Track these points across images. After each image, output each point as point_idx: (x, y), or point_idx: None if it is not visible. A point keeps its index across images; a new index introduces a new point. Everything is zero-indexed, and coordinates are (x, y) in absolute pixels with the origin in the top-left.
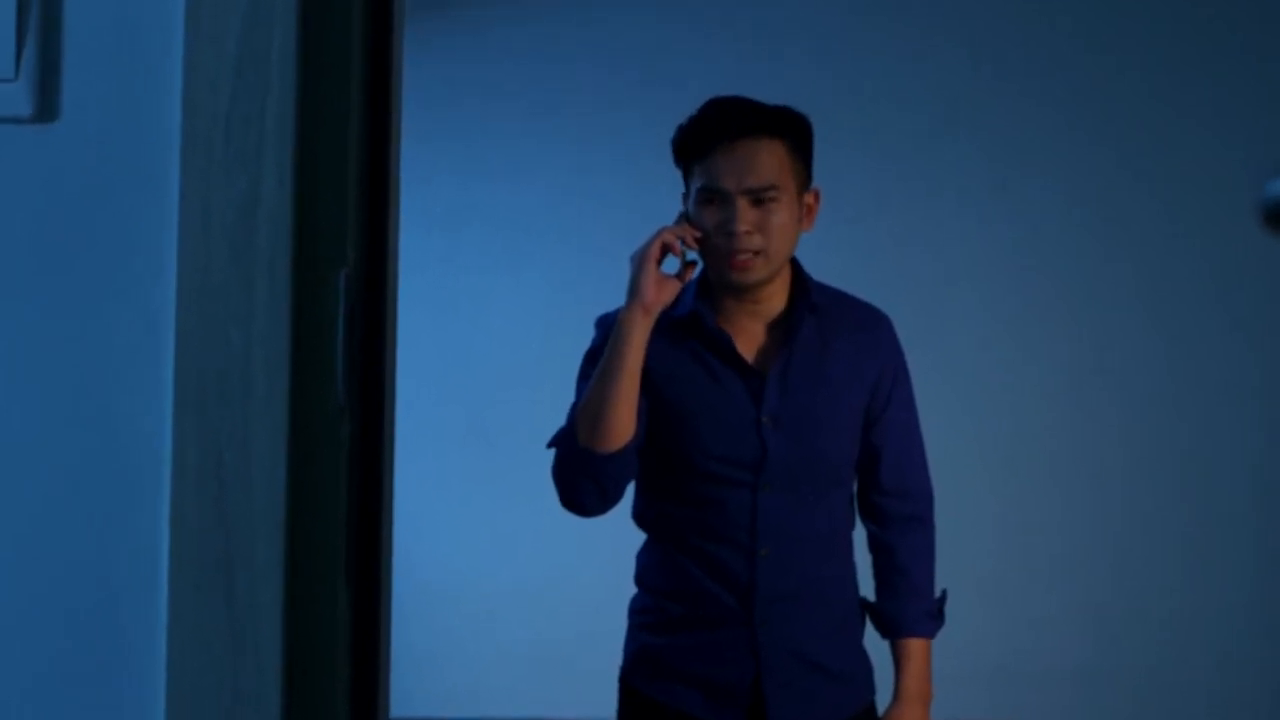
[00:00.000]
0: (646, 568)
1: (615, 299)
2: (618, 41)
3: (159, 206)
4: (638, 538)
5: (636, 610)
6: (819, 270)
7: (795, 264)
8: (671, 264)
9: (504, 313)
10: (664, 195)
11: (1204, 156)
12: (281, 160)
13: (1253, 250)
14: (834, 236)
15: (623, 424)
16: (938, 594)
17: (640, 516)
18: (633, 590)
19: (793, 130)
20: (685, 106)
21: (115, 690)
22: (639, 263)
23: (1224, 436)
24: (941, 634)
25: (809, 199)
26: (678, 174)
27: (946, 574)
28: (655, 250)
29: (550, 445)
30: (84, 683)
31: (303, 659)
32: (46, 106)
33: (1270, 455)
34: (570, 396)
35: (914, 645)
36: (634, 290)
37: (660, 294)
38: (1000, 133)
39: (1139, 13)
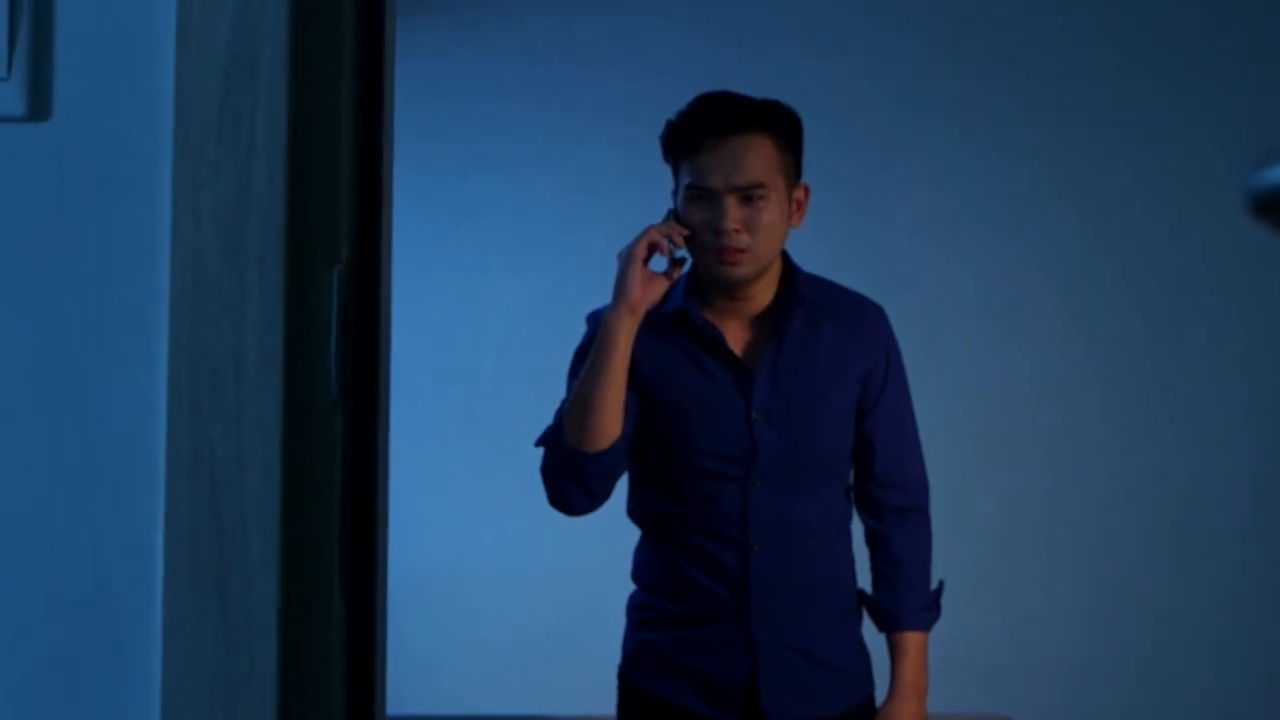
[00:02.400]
0: (642, 565)
1: (608, 298)
2: (617, 37)
3: (151, 204)
4: (633, 534)
5: (634, 607)
6: (810, 266)
7: (785, 257)
8: (660, 262)
9: (502, 309)
10: (663, 192)
11: (1197, 151)
12: (273, 156)
13: (1246, 245)
14: (826, 232)
15: (609, 423)
16: (934, 586)
17: (635, 513)
18: (628, 586)
19: (781, 125)
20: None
21: (110, 690)
22: (625, 261)
23: (1218, 431)
24: (936, 628)
25: (799, 194)
26: (669, 171)
27: (941, 568)
28: (641, 249)
29: (538, 444)
30: (78, 682)
31: (297, 657)
32: (39, 105)
33: (1264, 450)
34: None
35: (909, 638)
36: (619, 289)
37: (647, 293)
38: (990, 128)
39: (1130, 7)
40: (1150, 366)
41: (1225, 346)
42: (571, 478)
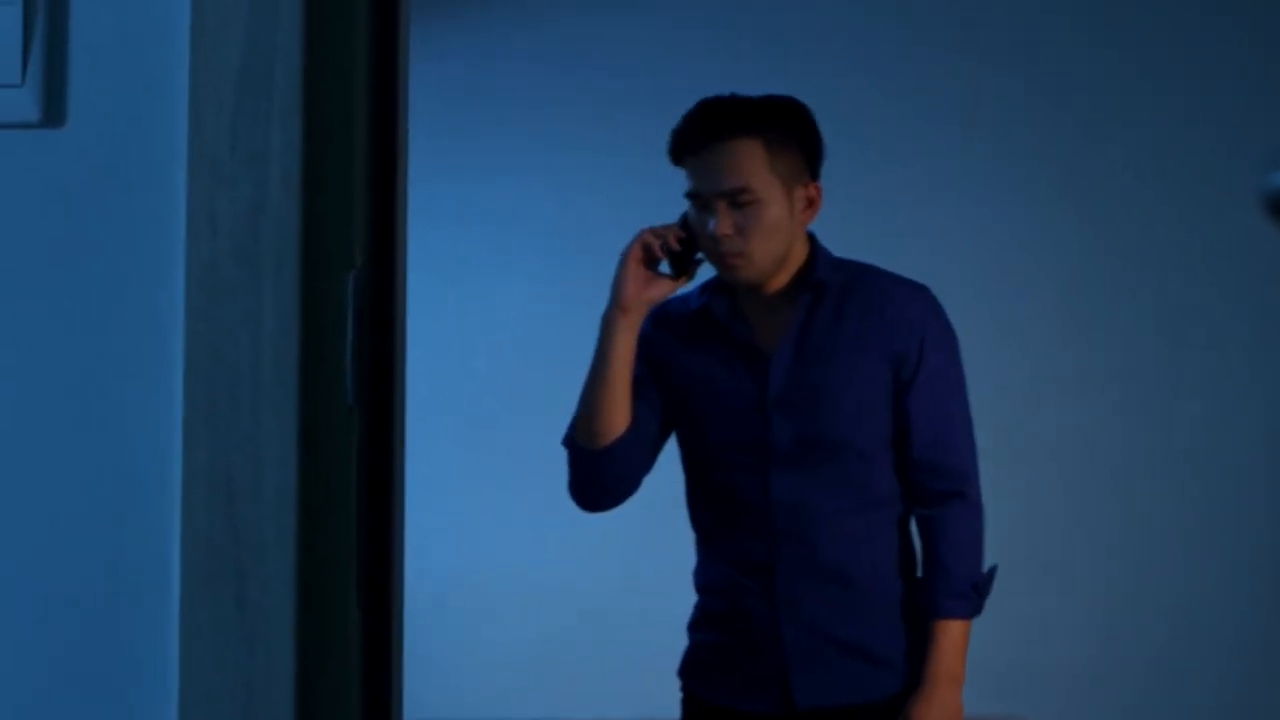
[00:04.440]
0: (696, 569)
1: None
2: (624, 44)
3: (166, 211)
4: (645, 540)
5: (693, 613)
6: None
7: (813, 242)
8: (666, 265)
9: (517, 313)
10: (671, 196)
11: (1208, 152)
12: (288, 164)
13: (1257, 245)
14: (826, 233)
15: (610, 421)
16: (983, 573)
17: (688, 508)
18: (640, 592)
19: (774, 126)
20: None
21: (128, 698)
22: (620, 262)
23: (1230, 432)
24: None
25: (808, 192)
26: (682, 174)
27: None
28: (636, 251)
29: (563, 444)
30: (97, 690)
31: (315, 664)
32: (53, 112)
33: (1276, 451)
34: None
35: (939, 626)
36: (613, 289)
37: (643, 293)
38: (1000, 130)
39: (1140, 6)
40: (1163, 370)
41: (1239, 350)
42: (585, 475)
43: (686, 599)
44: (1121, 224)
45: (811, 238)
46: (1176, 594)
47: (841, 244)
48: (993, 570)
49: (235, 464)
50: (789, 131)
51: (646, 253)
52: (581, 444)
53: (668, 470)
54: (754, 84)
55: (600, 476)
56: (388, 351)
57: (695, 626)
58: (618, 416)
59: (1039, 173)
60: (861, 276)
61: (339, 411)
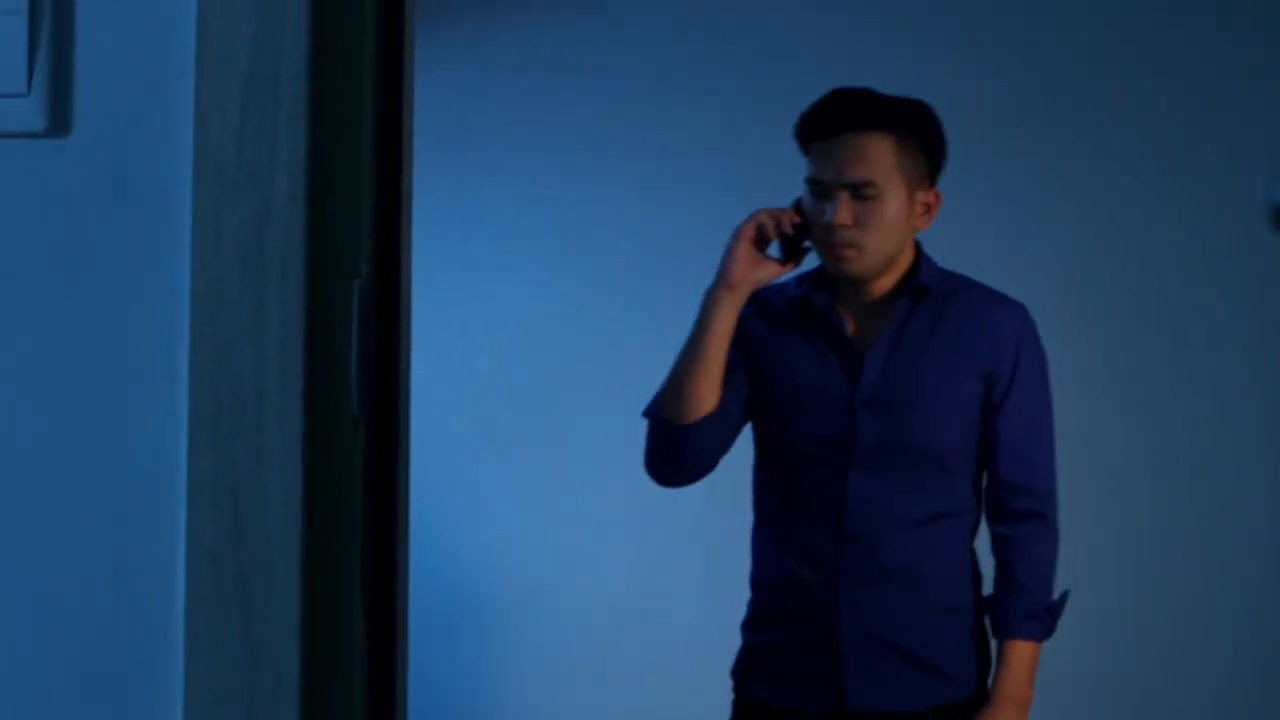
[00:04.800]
0: (754, 565)
1: (627, 308)
2: (632, 51)
3: (172, 221)
4: (652, 548)
5: (748, 613)
6: None
7: (918, 249)
8: (775, 248)
9: (520, 321)
10: (676, 203)
11: (1208, 152)
12: (294, 174)
13: (1259, 252)
14: None
15: (698, 397)
16: (1055, 597)
17: (754, 503)
18: (652, 605)
19: (906, 125)
20: (701, 115)
21: (132, 707)
22: (730, 240)
23: (1231, 438)
24: None
25: (927, 198)
26: (691, 181)
27: None
28: (748, 229)
29: (644, 414)
30: (101, 700)
31: (319, 672)
32: (59, 121)
33: (1276, 450)
34: (588, 407)
35: (1010, 647)
36: (721, 266)
37: (750, 273)
38: (999, 129)
39: (1140, 6)
40: (1164, 376)
41: (1241, 356)
42: (664, 449)
43: (702, 606)
44: (1121, 224)
45: (918, 245)
46: (1176, 594)
47: None
48: (1065, 594)
49: (240, 472)
50: (918, 133)
51: (759, 233)
52: (665, 417)
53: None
54: (755, 89)
55: (679, 452)
56: (392, 360)
57: (750, 625)
58: (708, 394)
59: (1039, 172)
60: (962, 287)
61: (344, 420)
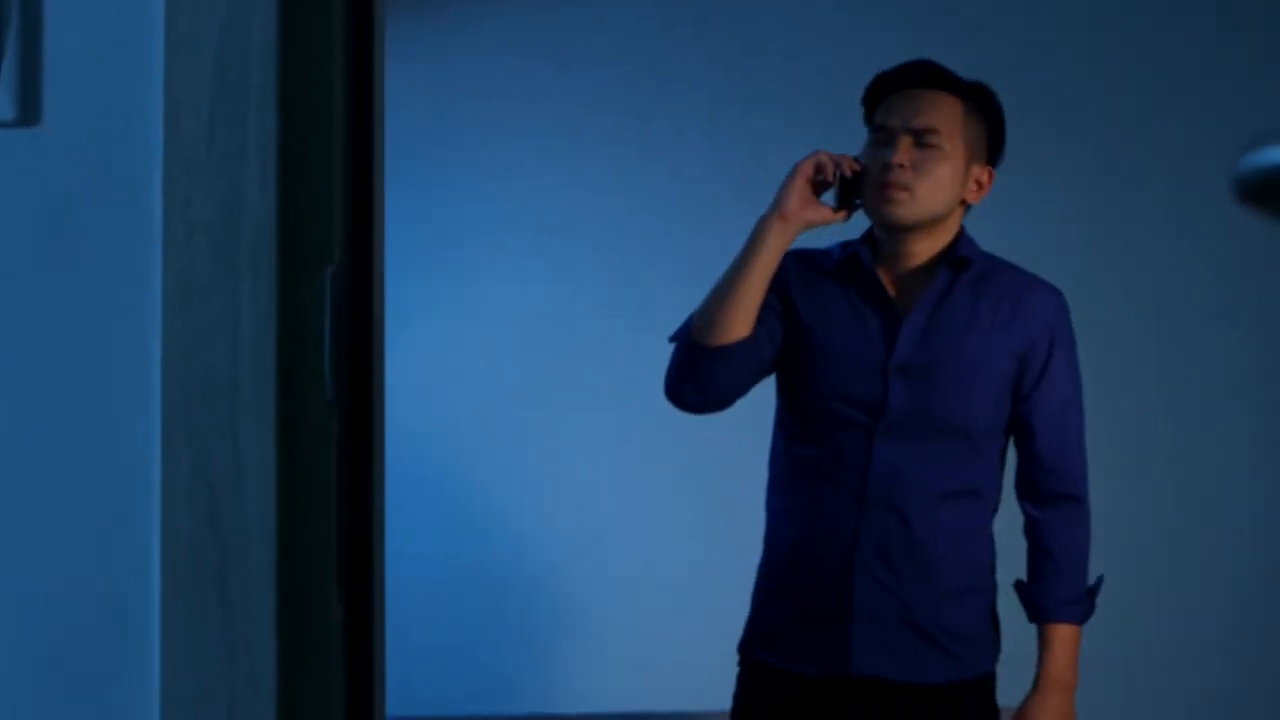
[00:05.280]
0: (768, 529)
1: (619, 297)
2: (608, 39)
3: (143, 210)
4: (641, 531)
5: (757, 579)
6: None
7: (961, 228)
8: (830, 195)
9: (510, 315)
10: (670, 194)
11: (1207, 152)
12: (265, 161)
13: (1257, 245)
14: (826, 234)
15: (735, 320)
16: (1092, 580)
17: (772, 460)
18: (630, 583)
19: (976, 98)
20: (686, 105)
21: (109, 700)
22: (789, 175)
23: (1219, 433)
24: None
25: (981, 174)
26: (679, 170)
27: None
28: (807, 167)
29: (672, 339)
30: (77, 693)
31: (297, 661)
32: (28, 110)
33: (1267, 451)
34: (573, 399)
35: (1054, 630)
36: (777, 197)
37: (804, 210)
38: None
39: (1139, 5)
40: (1152, 370)
41: (1229, 349)
42: (686, 370)
43: (697, 600)
44: (1119, 223)
45: (961, 225)
46: (1175, 594)
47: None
48: (1100, 578)
49: (215, 465)
50: (985, 111)
51: (817, 172)
52: (696, 338)
53: (666, 470)
54: (742, 80)
55: (702, 375)
56: (365, 347)
57: (761, 588)
58: (742, 319)
59: (1037, 172)
60: (1002, 267)
61: (318, 407)
